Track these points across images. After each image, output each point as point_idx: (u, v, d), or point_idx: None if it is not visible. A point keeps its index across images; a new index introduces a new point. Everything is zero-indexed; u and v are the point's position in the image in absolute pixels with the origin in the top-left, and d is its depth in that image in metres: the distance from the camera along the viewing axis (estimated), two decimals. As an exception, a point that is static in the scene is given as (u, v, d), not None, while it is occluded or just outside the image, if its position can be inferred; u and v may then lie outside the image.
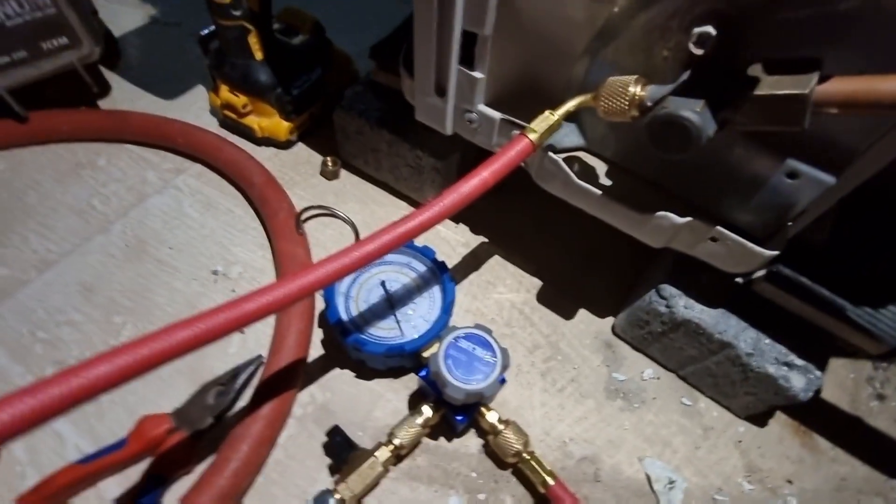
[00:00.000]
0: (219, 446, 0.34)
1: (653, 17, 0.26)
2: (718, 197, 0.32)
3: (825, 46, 0.23)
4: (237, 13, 0.42)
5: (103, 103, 0.54)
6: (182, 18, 0.64)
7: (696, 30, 0.24)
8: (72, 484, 0.32)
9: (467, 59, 0.32)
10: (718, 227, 0.30)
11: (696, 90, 0.25)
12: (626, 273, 0.46)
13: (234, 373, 0.36)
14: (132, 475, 0.33)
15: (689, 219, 0.31)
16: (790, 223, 0.30)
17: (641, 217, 0.32)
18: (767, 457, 0.39)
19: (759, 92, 0.22)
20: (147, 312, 0.41)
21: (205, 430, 0.34)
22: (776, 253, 0.30)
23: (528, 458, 0.34)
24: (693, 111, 0.23)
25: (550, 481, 0.33)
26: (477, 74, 0.32)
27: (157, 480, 0.33)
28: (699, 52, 0.25)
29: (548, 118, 0.30)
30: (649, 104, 0.26)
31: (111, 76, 0.56)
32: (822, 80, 0.22)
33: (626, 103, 0.27)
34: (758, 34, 0.24)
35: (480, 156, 0.38)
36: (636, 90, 0.27)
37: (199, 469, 0.34)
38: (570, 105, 0.30)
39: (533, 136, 0.29)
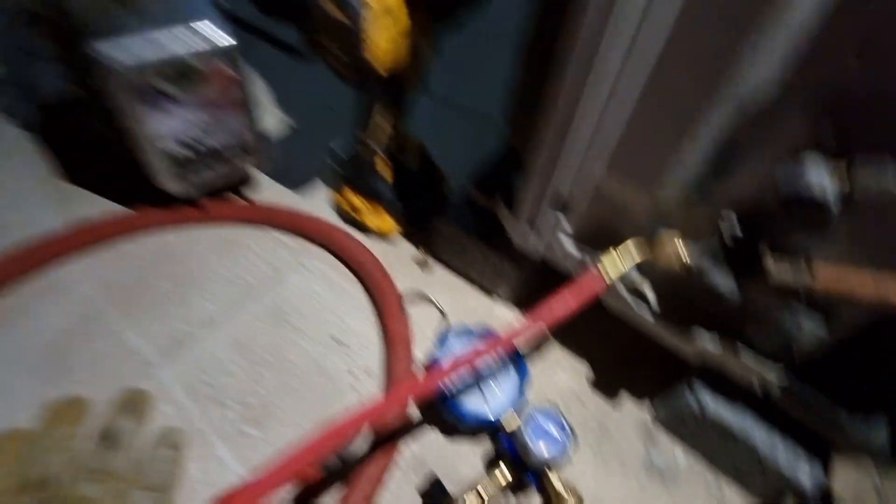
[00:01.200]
0: (342, 482, 0.44)
1: (699, 205, 0.38)
2: (744, 326, 0.43)
3: (820, 243, 0.34)
4: (373, 144, 0.57)
5: (249, 192, 0.69)
6: (309, 127, 0.80)
7: (726, 221, 0.36)
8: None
9: (557, 207, 0.44)
10: (741, 349, 0.40)
11: (728, 259, 0.36)
12: (668, 369, 0.55)
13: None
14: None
15: (718, 342, 0.41)
16: (796, 351, 0.40)
17: (683, 339, 0.42)
18: (783, 541, 0.46)
19: (768, 269, 0.33)
20: (283, 368, 0.53)
21: (331, 468, 0.45)
22: (782, 370, 0.40)
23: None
24: (721, 279, 0.34)
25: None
26: (563, 219, 0.44)
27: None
28: (729, 235, 0.36)
29: (615, 262, 0.41)
30: (692, 262, 0.38)
31: (257, 172, 0.72)
32: (814, 267, 0.33)
33: (675, 259, 0.38)
34: (772, 232, 0.35)
35: (554, 268, 0.50)
36: (683, 250, 0.38)
37: (326, 501, 0.44)
38: (633, 252, 0.41)
39: (605, 274, 0.41)
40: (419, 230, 0.67)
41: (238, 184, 0.67)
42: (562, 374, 0.56)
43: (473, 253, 0.59)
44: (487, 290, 0.62)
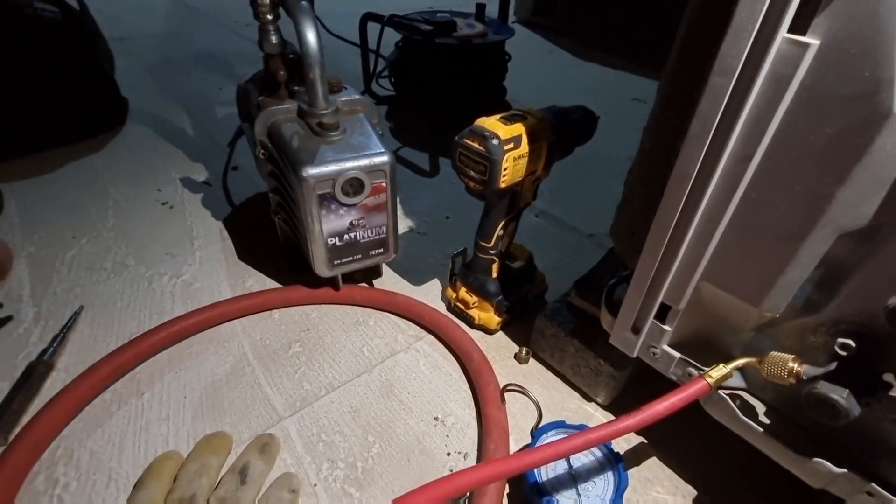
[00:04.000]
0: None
1: (806, 323, 0.40)
2: (873, 455, 0.40)
3: (943, 369, 0.34)
4: (493, 252, 0.66)
5: (377, 282, 0.80)
6: (428, 231, 0.94)
7: (840, 340, 0.37)
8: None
9: (661, 317, 0.48)
10: (873, 485, 0.38)
11: (842, 379, 0.36)
12: (781, 497, 0.50)
13: (454, 499, 0.49)
14: (370, 565, 0.46)
15: (844, 470, 0.39)
16: (945, 496, 0.37)
17: (799, 458, 0.41)
18: None
19: (893, 393, 0.33)
20: (389, 438, 0.57)
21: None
22: (931, 520, 0.36)
23: None
24: (841, 396, 0.34)
25: None
26: (666, 327, 0.47)
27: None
28: (843, 353, 0.37)
29: (721, 369, 0.43)
30: (804, 378, 0.38)
31: (384, 265, 0.85)
32: (940, 393, 0.32)
33: (786, 373, 0.39)
34: (889, 354, 0.35)
35: (650, 371, 0.52)
36: (794, 366, 0.39)
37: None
38: (740, 363, 0.43)
39: (710, 380, 0.42)
40: (517, 326, 0.72)
41: (371, 273, 0.80)
42: (660, 489, 0.53)
43: (571, 353, 0.62)
44: (584, 394, 0.64)
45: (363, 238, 0.68)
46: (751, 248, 0.38)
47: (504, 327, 0.73)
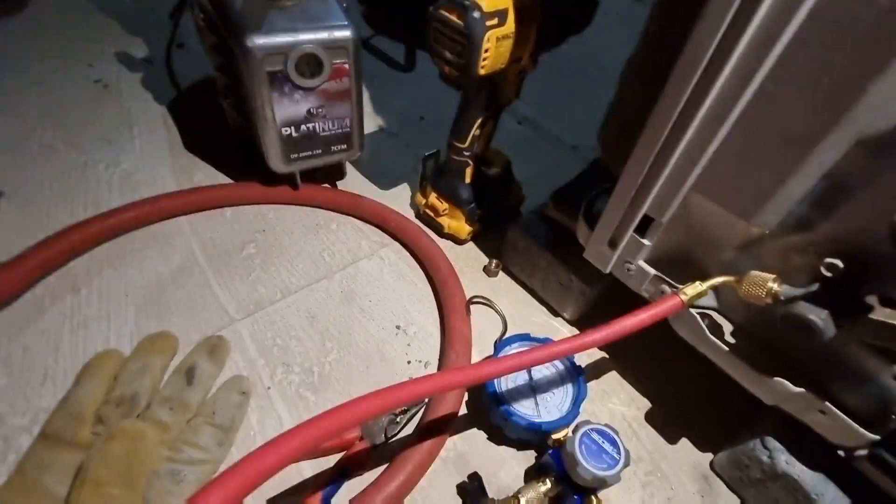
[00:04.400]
0: (385, 462, 0.45)
1: (794, 241, 0.37)
2: (831, 376, 0.40)
3: (928, 294, 0.32)
4: (467, 154, 0.60)
5: (342, 183, 0.74)
6: (399, 132, 0.86)
7: (828, 260, 0.34)
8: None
9: (641, 230, 0.44)
10: (827, 403, 0.38)
11: (822, 300, 0.35)
12: (734, 413, 0.52)
13: (405, 408, 0.48)
14: (322, 463, 0.45)
15: (801, 390, 0.38)
16: (894, 416, 0.37)
17: (760, 378, 0.40)
18: None
19: (873, 316, 0.31)
20: (348, 345, 0.55)
21: (378, 446, 0.46)
22: (876, 438, 0.36)
23: (628, 552, 0.41)
24: (819, 317, 0.33)
25: (645, 578, 0.39)
26: (646, 242, 0.44)
27: (341, 473, 0.45)
28: (828, 275, 0.35)
29: (697, 287, 0.40)
30: (782, 298, 0.36)
31: (349, 165, 0.78)
32: (922, 319, 0.31)
33: (764, 293, 0.37)
34: (878, 275, 0.33)
35: (619, 289, 0.50)
36: (773, 286, 0.37)
37: (369, 475, 0.45)
38: (717, 281, 0.40)
39: (684, 298, 0.40)
40: (492, 238, 0.68)
41: (333, 173, 0.73)
42: (617, 401, 0.54)
43: (542, 267, 0.59)
44: (552, 309, 0.62)
45: (324, 130, 0.61)
46: (754, 154, 0.34)
47: (475, 238, 0.69)
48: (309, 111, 0.57)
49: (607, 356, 0.58)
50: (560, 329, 0.60)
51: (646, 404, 0.54)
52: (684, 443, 0.52)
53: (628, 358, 0.58)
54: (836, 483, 0.41)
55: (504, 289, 0.64)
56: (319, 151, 0.63)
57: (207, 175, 0.72)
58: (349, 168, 0.77)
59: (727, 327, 0.47)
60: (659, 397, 0.55)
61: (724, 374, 0.44)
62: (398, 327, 0.58)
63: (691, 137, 0.36)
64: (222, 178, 0.72)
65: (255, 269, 0.61)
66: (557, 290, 0.60)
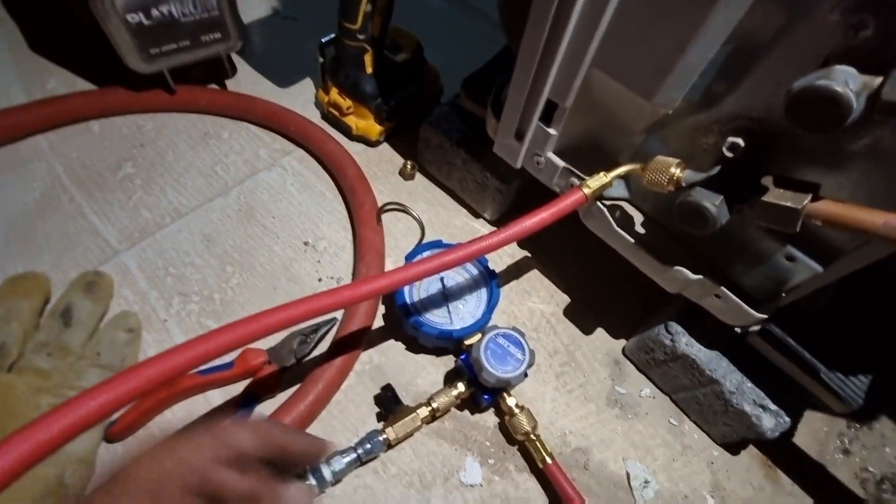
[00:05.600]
0: (299, 382, 0.44)
1: (700, 120, 0.33)
2: (731, 261, 0.39)
3: (828, 172, 0.30)
4: (361, 37, 0.51)
5: (230, 83, 0.64)
6: (298, 14, 0.73)
7: (730, 139, 0.31)
8: (191, 388, 0.43)
9: (546, 118, 0.39)
10: (722, 288, 0.37)
11: (722, 183, 0.32)
12: (643, 303, 0.53)
13: (315, 328, 0.46)
14: (232, 391, 0.44)
15: (699, 276, 0.38)
16: (784, 294, 0.37)
17: (661, 267, 0.39)
18: (733, 480, 0.46)
19: (765, 198, 0.29)
20: (251, 267, 0.51)
21: (288, 368, 0.44)
22: (765, 317, 0.37)
23: (535, 439, 0.43)
24: (713, 204, 0.30)
25: (549, 460, 0.42)
26: (551, 131, 0.40)
27: (250, 398, 0.44)
28: (729, 155, 0.32)
29: (601, 178, 0.37)
30: (684, 185, 0.34)
31: (237, 58, 0.66)
32: (816, 199, 0.29)
33: (666, 180, 0.34)
34: (777, 154, 0.31)
35: (538, 186, 0.46)
36: (676, 171, 0.34)
37: (281, 397, 0.44)
38: (622, 170, 0.37)
39: (587, 191, 0.37)
40: (405, 137, 0.62)
41: (219, 73, 0.62)
42: (536, 299, 0.54)
43: (458, 166, 0.55)
44: (472, 210, 0.59)
45: (184, 15, 0.50)
46: (650, 21, 0.28)
47: (389, 138, 0.63)
48: (154, -11, 0.46)
49: (529, 254, 0.57)
50: (481, 230, 0.58)
51: (564, 299, 0.54)
52: (599, 332, 0.53)
53: (548, 255, 0.56)
54: (729, 358, 0.43)
55: (422, 192, 0.60)
56: (187, 43, 0.52)
57: (63, 82, 0.60)
58: (239, 63, 0.66)
59: (638, 218, 0.45)
60: (577, 292, 0.55)
61: (635, 268, 0.43)
62: (306, 243, 0.54)
63: (583, 5, 0.29)
64: (82, 85, 0.60)
65: (135, 191, 0.54)
66: (475, 190, 0.56)
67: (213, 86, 0.62)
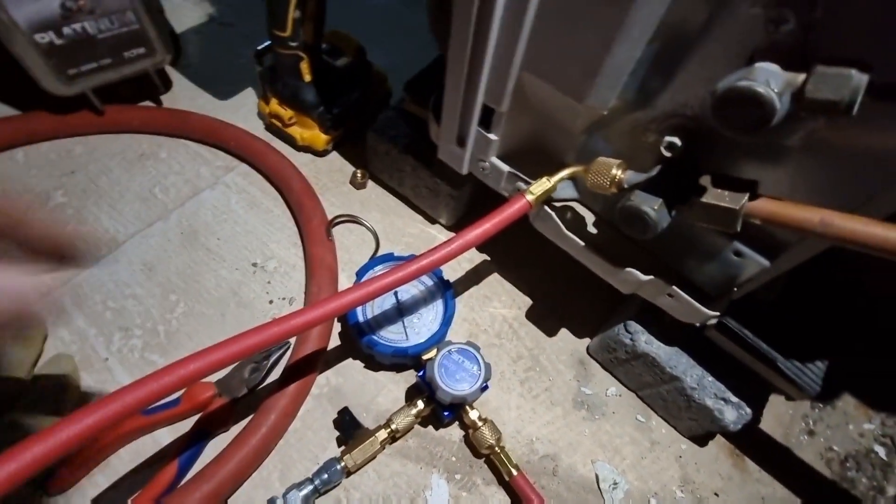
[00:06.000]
0: (252, 412, 0.42)
1: (637, 119, 0.32)
2: (682, 259, 0.39)
3: (767, 168, 0.29)
4: (294, 44, 0.48)
5: (166, 98, 0.60)
6: (236, 20, 0.70)
7: (667, 138, 0.30)
8: (136, 429, 0.41)
9: (485, 123, 0.38)
10: (674, 287, 0.37)
11: (662, 184, 0.31)
12: (605, 303, 0.52)
13: (267, 354, 0.44)
14: (181, 428, 0.42)
15: (651, 277, 0.37)
16: (736, 289, 0.37)
17: (613, 269, 0.38)
18: (702, 472, 0.46)
19: (704, 199, 0.28)
20: (197, 294, 0.49)
21: (241, 398, 0.43)
22: (717, 314, 0.36)
23: (500, 451, 0.42)
24: (652, 208, 0.29)
25: (514, 472, 0.41)
26: (492, 136, 0.38)
27: (201, 434, 0.42)
28: (668, 154, 0.31)
29: (545, 184, 0.36)
30: (626, 186, 0.33)
31: (172, 71, 0.63)
32: (754, 197, 0.28)
33: (608, 182, 0.33)
34: (714, 151, 0.30)
35: (491, 190, 0.45)
36: (617, 173, 0.33)
37: (235, 429, 0.42)
38: (565, 174, 0.36)
39: (531, 198, 0.36)
40: (355, 145, 0.60)
41: (149, 87, 0.59)
42: (498, 304, 0.53)
43: (408, 172, 0.53)
44: (428, 216, 0.57)
45: (100, 31, 0.46)
46: (574, 22, 0.27)
47: (338, 146, 0.61)
48: (63, 5, 0.43)
49: (488, 258, 0.56)
50: (438, 237, 0.56)
51: (526, 302, 0.53)
52: (563, 333, 0.52)
53: (508, 258, 0.55)
54: (690, 353, 0.43)
55: (375, 200, 0.58)
56: (108, 61, 0.49)
57: (-19, 109, 0.56)
58: (175, 76, 0.63)
59: (591, 218, 0.44)
60: (539, 293, 0.54)
61: None
62: (255, 264, 0.51)
63: (504, 8, 0.28)
64: (2, 111, 0.56)
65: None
66: (428, 197, 0.54)
67: (147, 103, 0.59)
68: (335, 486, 0.40)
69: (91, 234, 0.26)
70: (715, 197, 0.28)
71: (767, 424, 0.49)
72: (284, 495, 0.38)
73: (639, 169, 0.33)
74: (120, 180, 0.54)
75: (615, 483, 0.44)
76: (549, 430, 0.46)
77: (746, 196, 0.27)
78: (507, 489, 0.43)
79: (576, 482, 0.44)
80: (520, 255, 0.55)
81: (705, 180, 0.29)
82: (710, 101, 0.23)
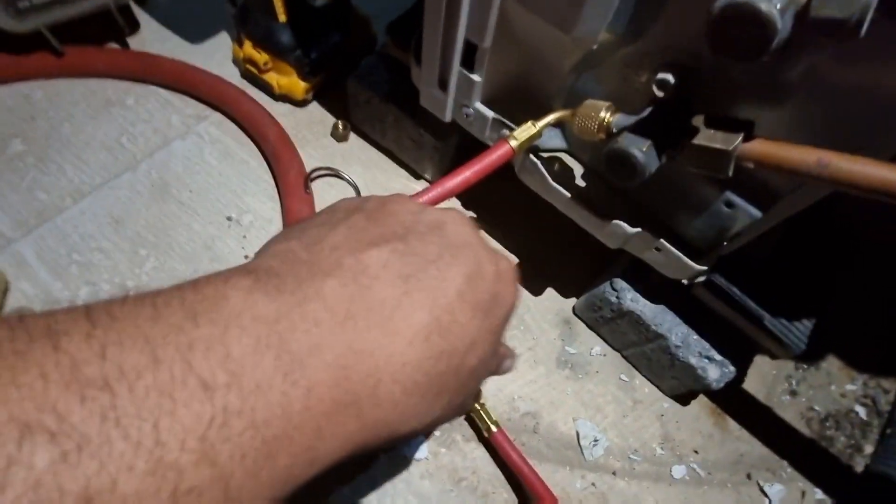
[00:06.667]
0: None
1: (628, 54, 0.30)
2: (671, 212, 0.37)
3: (764, 107, 0.27)
4: (265, -20, 0.45)
5: (132, 41, 0.57)
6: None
7: (659, 75, 0.28)
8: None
9: (468, 63, 0.35)
10: (662, 240, 0.35)
11: (652, 126, 0.29)
12: (592, 264, 0.51)
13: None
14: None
15: (638, 230, 0.35)
16: (726, 243, 0.35)
17: (600, 222, 0.37)
18: (682, 430, 0.46)
19: (695, 141, 0.26)
20: (168, 249, 0.47)
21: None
22: (705, 268, 0.35)
23: (479, 408, 0.41)
24: (640, 150, 0.27)
25: (494, 429, 0.40)
26: (475, 77, 0.36)
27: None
28: (659, 94, 0.28)
29: (529, 129, 0.34)
30: (614, 130, 0.30)
31: (140, 13, 0.59)
32: (749, 139, 0.26)
33: (596, 126, 0.31)
34: (709, 89, 0.28)
35: (477, 140, 0.43)
36: (606, 116, 0.31)
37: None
38: (551, 118, 0.34)
39: (514, 143, 0.33)
40: (337, 94, 0.57)
41: (113, 27, 0.55)
42: (482, 263, 0.51)
43: (391, 123, 0.50)
44: (413, 170, 0.55)
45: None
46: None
47: (318, 96, 0.57)
48: (6, -72, 0.39)
49: (473, 215, 0.54)
50: (422, 193, 0.54)
51: (512, 259, 0.52)
52: (549, 293, 0.51)
53: (494, 214, 0.53)
54: (675, 312, 0.42)
55: (357, 154, 0.55)
56: (63, -5, 0.45)
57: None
58: (143, 17, 0.59)
59: (578, 170, 0.42)
60: (525, 253, 0.52)
61: None
62: (229, 218, 0.49)
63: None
64: (-45, 51, 0.52)
65: (28, 171, 0.48)
66: (412, 149, 0.52)
67: (113, 45, 0.55)
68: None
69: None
70: (707, 138, 0.26)
71: (750, 384, 0.49)
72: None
73: (629, 112, 0.30)
74: (84, 128, 0.51)
75: (595, 440, 0.44)
76: (532, 388, 0.46)
77: (740, 137, 0.25)
78: (487, 446, 0.42)
79: (556, 439, 0.44)
80: (505, 211, 0.53)
81: (698, 120, 0.27)
82: (706, 25, 0.21)
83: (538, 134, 0.34)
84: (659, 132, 0.28)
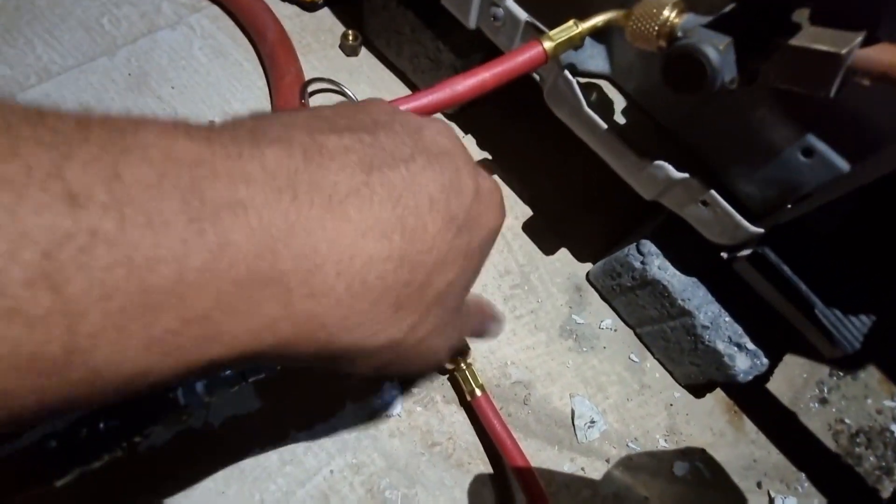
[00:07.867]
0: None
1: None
2: (727, 159, 0.30)
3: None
4: None
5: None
6: None
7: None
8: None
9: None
10: (712, 192, 0.29)
11: (735, 27, 0.22)
12: (616, 226, 0.45)
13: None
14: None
15: (685, 175, 0.29)
16: (790, 205, 0.29)
17: (639, 162, 0.30)
18: (692, 424, 0.41)
19: (793, 42, 0.20)
20: (139, 145, 0.41)
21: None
22: (762, 231, 0.28)
23: (465, 368, 0.36)
24: (716, 48, 0.21)
25: (478, 393, 0.35)
26: (511, -35, 0.29)
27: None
28: (751, -19, 0.22)
29: (570, 28, 0.27)
30: (679, 34, 0.24)
31: None
32: (871, 42, 0.19)
33: (656, 29, 0.24)
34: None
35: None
36: (670, 15, 0.24)
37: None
38: (599, 20, 0.27)
39: (548, 45, 0.27)
40: (348, 4, 0.50)
41: None
42: (491, 211, 0.45)
43: (407, 36, 0.44)
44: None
45: None
46: None
47: (330, 2, 0.50)
48: None
49: (489, 156, 0.47)
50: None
51: (526, 213, 0.46)
52: (562, 254, 0.45)
53: (512, 158, 0.47)
54: (707, 288, 0.36)
55: (366, 72, 0.49)
56: None
57: None
58: None
59: (619, 105, 0.35)
60: (542, 204, 0.46)
61: (614, 176, 0.34)
62: (212, 123, 0.43)
63: None
64: None
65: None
66: (428, 70, 0.45)
67: (106, -85, 0.49)
68: (262, 378, 0.35)
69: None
70: (812, 37, 0.19)
71: (775, 385, 0.43)
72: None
73: (704, 12, 0.24)
74: (62, 2, 0.45)
75: (592, 421, 0.38)
76: (528, 355, 0.40)
77: (859, 37, 0.19)
78: (469, 410, 0.37)
79: (547, 415, 0.39)
80: (526, 156, 0.47)
81: (801, 15, 0.20)
82: None
83: (579, 39, 0.27)
84: (742, 32, 0.21)
